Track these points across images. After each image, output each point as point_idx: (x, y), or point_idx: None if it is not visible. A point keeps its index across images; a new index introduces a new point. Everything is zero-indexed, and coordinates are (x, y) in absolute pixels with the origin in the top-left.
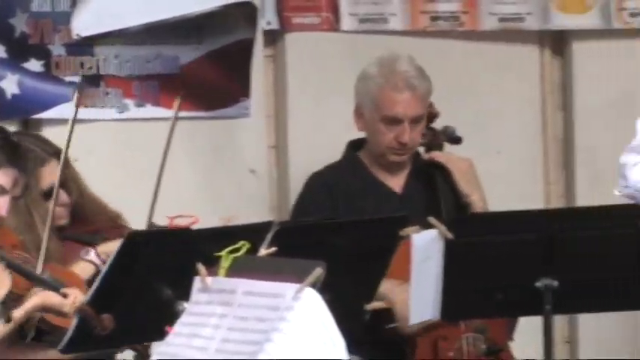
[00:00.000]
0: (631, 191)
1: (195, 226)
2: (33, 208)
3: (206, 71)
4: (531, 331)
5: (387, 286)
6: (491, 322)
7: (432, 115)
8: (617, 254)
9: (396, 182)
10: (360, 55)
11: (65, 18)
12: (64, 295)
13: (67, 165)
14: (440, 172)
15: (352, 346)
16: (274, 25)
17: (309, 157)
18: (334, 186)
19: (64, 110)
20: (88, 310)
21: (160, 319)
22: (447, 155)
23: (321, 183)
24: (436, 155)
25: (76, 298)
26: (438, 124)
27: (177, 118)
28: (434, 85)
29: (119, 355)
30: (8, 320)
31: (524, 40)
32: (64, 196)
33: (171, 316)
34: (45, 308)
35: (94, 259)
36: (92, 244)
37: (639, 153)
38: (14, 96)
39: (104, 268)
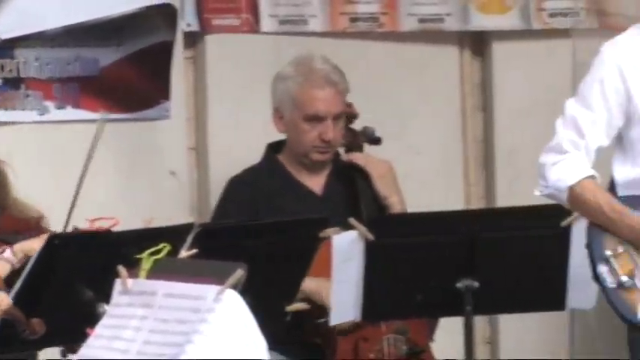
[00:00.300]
0: (550, 191)
1: (115, 229)
2: None
3: (126, 73)
4: (452, 331)
5: (314, 284)
6: (412, 322)
7: (351, 116)
8: (537, 255)
9: (316, 183)
10: (281, 56)
11: None
12: None
13: None
14: (360, 173)
15: (275, 346)
16: (194, 27)
17: (229, 159)
18: (254, 188)
19: None
20: (18, 314)
21: (81, 321)
22: (366, 157)
23: (240, 186)
24: (355, 158)
25: (2, 300)
26: (357, 125)
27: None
28: (354, 86)
29: (41, 354)
30: None
31: (443, 40)
32: None
33: (92, 318)
34: None
35: (10, 258)
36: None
37: (558, 153)
38: None
39: (25, 271)
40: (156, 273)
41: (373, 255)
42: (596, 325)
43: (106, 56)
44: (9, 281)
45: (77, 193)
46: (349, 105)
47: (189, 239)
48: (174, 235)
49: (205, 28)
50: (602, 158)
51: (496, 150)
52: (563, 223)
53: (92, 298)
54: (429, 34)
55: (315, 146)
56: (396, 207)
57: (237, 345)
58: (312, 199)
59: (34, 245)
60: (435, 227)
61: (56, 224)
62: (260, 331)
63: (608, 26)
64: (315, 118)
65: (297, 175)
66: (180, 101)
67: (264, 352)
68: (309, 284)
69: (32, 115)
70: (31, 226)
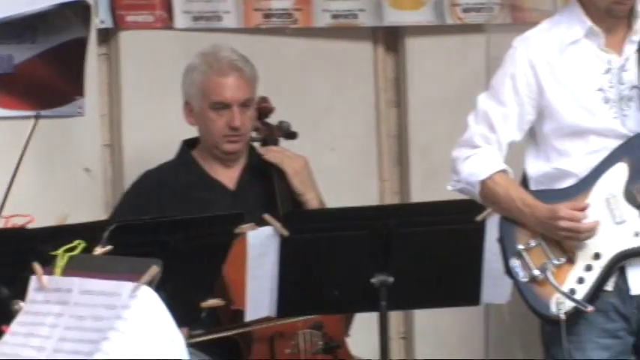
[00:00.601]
0: (463, 185)
1: (30, 226)
2: None
3: (40, 70)
4: (367, 327)
5: None
6: (327, 318)
7: (267, 111)
8: (452, 250)
9: (230, 178)
10: (194, 52)
11: None
12: None
13: None
14: (275, 168)
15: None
16: (108, 24)
17: (144, 155)
18: (165, 184)
19: None
20: None
21: None
22: (283, 152)
23: (149, 181)
24: (271, 156)
25: None
26: (273, 120)
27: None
28: (269, 82)
29: None
30: None
31: (357, 36)
32: None
33: (7, 316)
34: None
35: None
36: None
37: (470, 147)
38: None
39: None
40: (71, 270)
41: (288, 251)
42: (511, 319)
43: (21, 53)
44: None
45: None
46: (265, 99)
47: (105, 236)
48: (89, 231)
49: (119, 24)
50: (515, 152)
51: (410, 145)
52: (478, 218)
53: (7, 295)
54: (343, 30)
55: (225, 135)
56: (312, 203)
57: (154, 341)
58: (224, 194)
59: None
60: (349, 223)
61: None
62: (176, 327)
63: (522, 21)
64: (222, 106)
65: (211, 171)
66: (95, 98)
67: (182, 348)
68: None
69: None
70: None
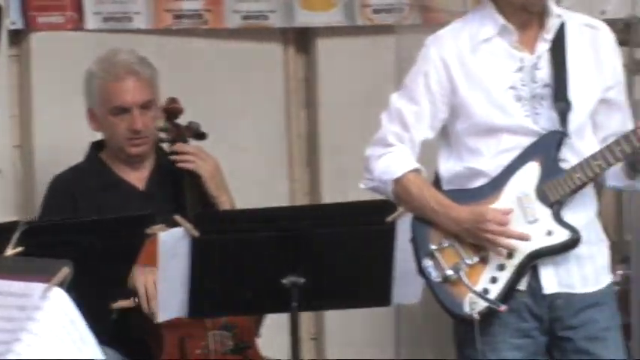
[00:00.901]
0: (376, 184)
1: None
2: None
3: None
4: (278, 327)
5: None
6: (238, 319)
7: (176, 111)
8: (363, 250)
9: (139, 179)
10: None
11: None
12: None
13: None
14: (187, 170)
15: (102, 343)
16: (19, 25)
17: (55, 156)
18: (74, 186)
19: None
20: None
21: None
22: (197, 155)
23: (62, 184)
24: (186, 163)
25: None
26: (182, 121)
27: None
28: (179, 83)
29: None
30: None
31: (268, 37)
32: None
33: None
34: None
35: None
36: None
37: (384, 146)
38: None
39: None
40: None
41: (199, 252)
42: (422, 319)
43: None
44: None
45: None
46: (174, 100)
47: (15, 237)
48: None
49: (30, 25)
50: (429, 152)
51: (320, 146)
52: (389, 219)
53: None
54: (254, 31)
55: (128, 139)
56: (225, 206)
57: (66, 342)
58: (134, 195)
59: None
60: (260, 224)
61: None
62: (88, 328)
63: (432, 22)
64: (122, 110)
65: (119, 172)
66: (5, 99)
67: (94, 349)
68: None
69: None
70: None
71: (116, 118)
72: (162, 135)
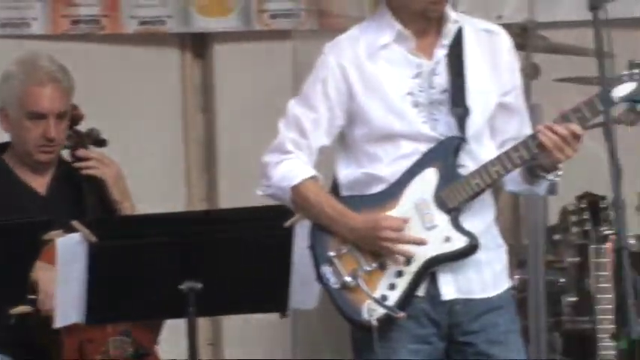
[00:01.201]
0: (273, 191)
1: None
2: None
3: None
4: (177, 333)
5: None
6: (137, 324)
7: (76, 118)
8: (260, 256)
9: (40, 183)
10: (3, 60)
11: None
12: None
13: None
14: (88, 176)
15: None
16: None
17: None
18: None
19: None
20: None
21: None
22: (100, 161)
23: None
24: (90, 170)
25: None
26: (82, 127)
27: None
28: (77, 89)
29: None
30: None
31: (165, 43)
32: None
33: None
34: None
35: None
36: None
37: (281, 153)
38: None
39: None
40: None
41: (96, 257)
42: (319, 325)
43: None
44: None
45: None
46: (74, 107)
47: None
48: None
49: None
50: (327, 158)
51: (218, 151)
52: (286, 224)
53: None
54: (151, 37)
55: (39, 145)
56: (127, 212)
57: None
58: (35, 200)
59: None
60: (157, 229)
61: None
62: None
63: (329, 27)
64: (38, 116)
65: (22, 175)
66: None
67: None
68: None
69: None
70: None
71: (31, 122)
72: None
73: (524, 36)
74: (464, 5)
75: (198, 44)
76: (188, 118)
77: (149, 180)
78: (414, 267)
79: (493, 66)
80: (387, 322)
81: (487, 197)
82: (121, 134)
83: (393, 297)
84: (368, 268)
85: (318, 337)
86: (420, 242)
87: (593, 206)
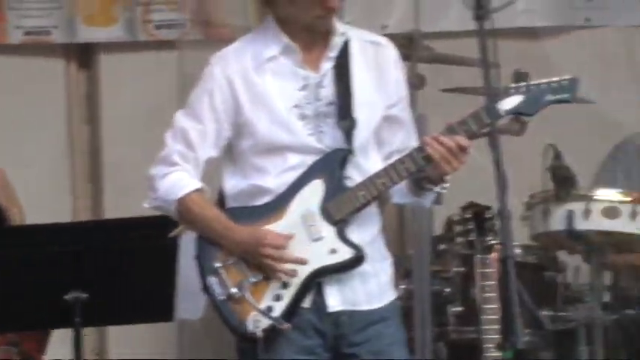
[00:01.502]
0: (159, 203)
1: None
2: None
3: None
4: (64, 343)
5: None
6: (24, 334)
7: None
8: (146, 266)
9: None
10: None
11: None
12: None
13: None
14: None
15: None
16: None
17: None
18: None
19: None
20: None
21: None
22: None
23: None
24: None
25: None
26: None
27: None
28: None
29: None
30: None
31: (50, 53)
32: None
33: None
34: None
35: None
36: None
37: (168, 165)
38: None
39: None
40: None
41: None
42: (205, 334)
43: None
44: None
45: None
46: None
47: None
48: None
49: None
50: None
51: (103, 162)
52: (171, 234)
53: None
54: (36, 47)
55: None
56: (16, 218)
57: None
58: None
59: None
60: (43, 239)
61: None
62: None
63: (214, 37)
64: None
65: None
66: None
67: None
68: None
69: None
70: None
71: None
72: None
73: (409, 46)
74: (350, 15)
75: (84, 55)
76: (73, 129)
77: (34, 190)
78: (299, 278)
79: (379, 78)
80: (273, 333)
81: (373, 209)
82: (7, 145)
83: (279, 308)
84: (254, 280)
85: (204, 347)
86: (301, 262)
87: (478, 216)
